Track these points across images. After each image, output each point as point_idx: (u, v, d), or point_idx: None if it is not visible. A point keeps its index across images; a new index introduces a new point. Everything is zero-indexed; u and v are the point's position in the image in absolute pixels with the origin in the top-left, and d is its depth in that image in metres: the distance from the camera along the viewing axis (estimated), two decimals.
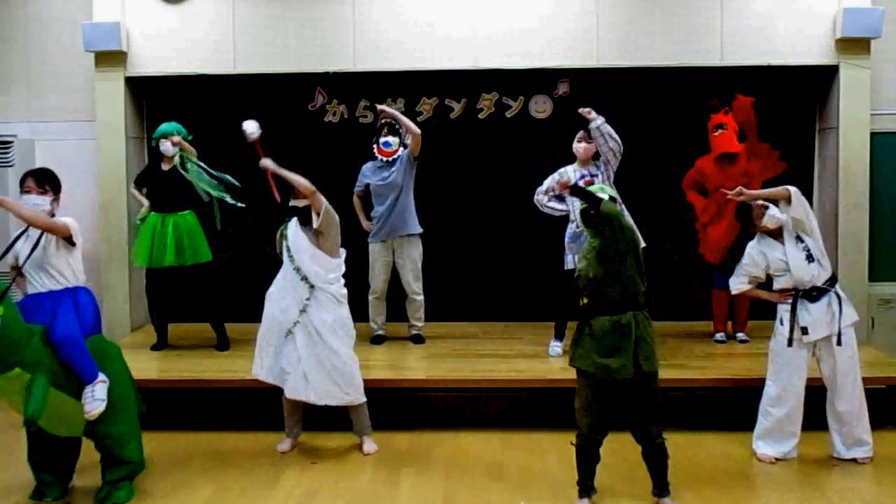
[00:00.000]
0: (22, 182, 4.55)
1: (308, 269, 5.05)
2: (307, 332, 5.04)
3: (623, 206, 5.07)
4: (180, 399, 5.71)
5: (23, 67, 7.55)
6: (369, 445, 5.24)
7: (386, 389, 5.62)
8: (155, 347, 6.57)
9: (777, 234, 5.05)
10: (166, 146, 6.47)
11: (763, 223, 5.04)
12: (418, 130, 6.46)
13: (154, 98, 7.57)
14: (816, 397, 5.07)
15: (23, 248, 4.48)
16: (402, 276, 6.68)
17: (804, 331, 4.91)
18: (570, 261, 6.18)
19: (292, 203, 5.17)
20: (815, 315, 4.90)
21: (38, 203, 4.48)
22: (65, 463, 4.59)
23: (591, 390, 4.24)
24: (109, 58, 7.14)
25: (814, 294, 4.92)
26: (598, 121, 6.00)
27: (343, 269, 5.22)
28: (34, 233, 4.47)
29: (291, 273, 5.10)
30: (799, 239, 4.98)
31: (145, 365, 6.10)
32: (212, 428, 5.64)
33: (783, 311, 5.02)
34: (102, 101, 7.23)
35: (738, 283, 5.20)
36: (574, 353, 4.29)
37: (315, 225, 5.07)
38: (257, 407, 5.68)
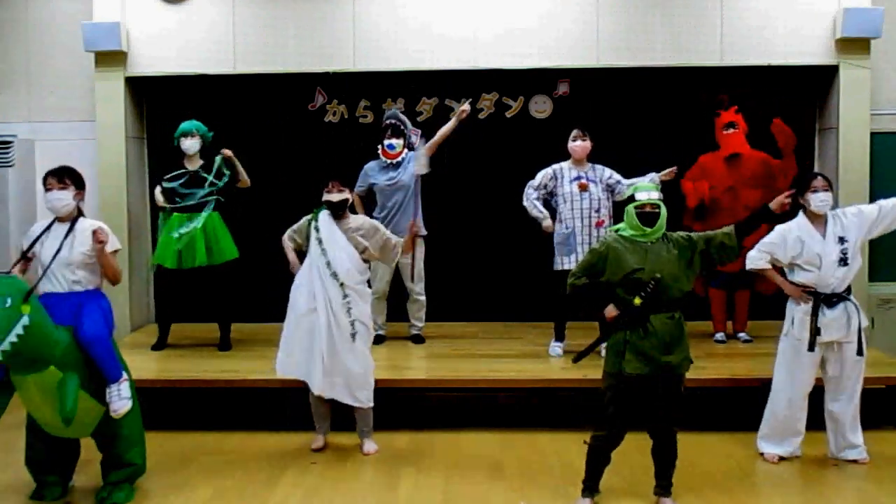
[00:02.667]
0: (44, 182, 4.50)
1: (341, 266, 5.07)
2: (333, 329, 5.04)
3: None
4: (180, 399, 5.71)
5: (23, 67, 7.54)
6: (369, 446, 5.25)
7: (386, 389, 5.61)
8: (155, 347, 6.56)
9: (819, 224, 4.89)
10: (187, 144, 6.40)
11: (815, 202, 4.84)
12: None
13: (154, 98, 7.56)
14: (815, 396, 5.07)
15: (47, 243, 4.43)
16: (405, 276, 6.68)
17: (817, 332, 4.85)
18: (559, 262, 6.19)
19: (326, 197, 5.14)
20: (829, 318, 4.85)
21: (60, 198, 4.44)
22: (65, 463, 4.59)
23: (616, 393, 4.20)
24: (109, 58, 7.14)
25: (833, 300, 4.86)
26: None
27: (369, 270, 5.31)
28: (59, 230, 4.45)
29: (321, 267, 5.08)
30: (842, 239, 4.84)
31: (145, 365, 6.09)
32: (212, 428, 5.63)
33: (798, 311, 4.91)
34: (102, 101, 7.23)
35: (757, 260, 4.96)
36: (620, 359, 4.16)
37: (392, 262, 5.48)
38: (257, 407, 5.69)
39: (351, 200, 5.25)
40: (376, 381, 5.35)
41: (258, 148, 7.37)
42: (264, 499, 4.57)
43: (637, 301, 4.12)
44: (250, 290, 7.19)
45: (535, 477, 4.82)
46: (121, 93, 7.21)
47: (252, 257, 6.96)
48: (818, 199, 4.85)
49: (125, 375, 4.43)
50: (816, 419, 5.09)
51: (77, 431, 4.41)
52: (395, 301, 6.84)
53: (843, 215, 4.92)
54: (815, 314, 4.83)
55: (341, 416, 5.31)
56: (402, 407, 5.70)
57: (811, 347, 4.84)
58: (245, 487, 4.72)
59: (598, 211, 6.14)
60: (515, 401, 5.75)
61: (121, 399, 4.35)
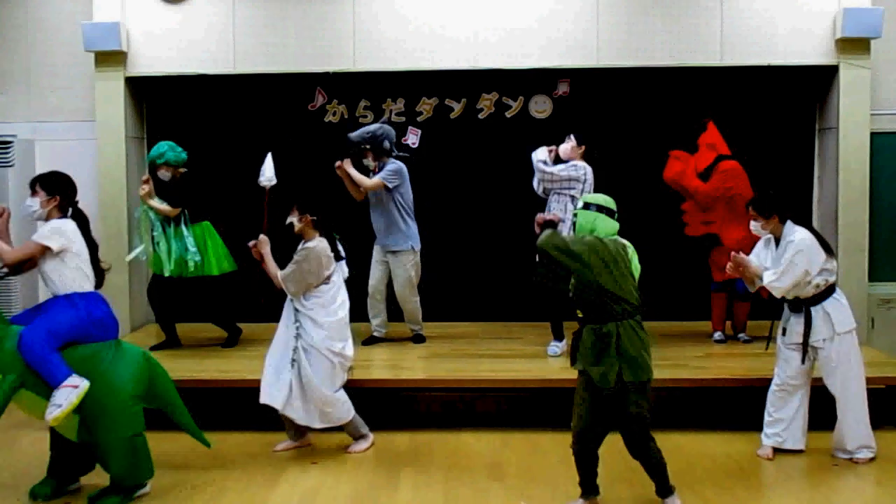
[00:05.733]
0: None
1: None
2: (290, 351, 5.06)
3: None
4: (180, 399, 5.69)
5: (23, 67, 7.55)
6: (356, 446, 5.26)
7: (386, 389, 5.61)
8: (161, 346, 6.53)
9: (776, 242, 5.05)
10: (160, 174, 6.47)
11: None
12: (369, 183, 6.43)
13: (154, 98, 7.57)
14: (817, 397, 5.07)
15: None
16: (395, 285, 6.67)
17: (783, 331, 5.05)
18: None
19: (289, 220, 5.13)
20: (793, 321, 5.00)
21: (29, 205, 4.52)
22: (71, 461, 4.58)
23: (582, 395, 4.27)
24: (109, 58, 7.14)
25: (791, 305, 5.02)
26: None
27: (329, 295, 5.08)
28: None
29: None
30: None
31: None
32: (212, 428, 5.61)
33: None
34: (102, 101, 7.23)
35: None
36: (575, 356, 4.33)
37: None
38: (257, 407, 5.67)
39: (299, 226, 5.08)
40: (376, 381, 5.34)
41: (258, 148, 7.35)
42: (264, 499, 4.57)
43: (579, 313, 4.28)
44: (248, 290, 7.16)
45: (535, 477, 4.82)
46: (121, 93, 7.22)
47: (249, 257, 6.95)
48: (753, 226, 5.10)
49: (70, 381, 4.25)
50: (817, 419, 5.09)
51: (66, 433, 4.41)
52: (393, 301, 6.82)
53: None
54: (781, 312, 5.11)
55: None
56: (402, 407, 5.70)
57: (767, 345, 5.22)
58: (245, 487, 4.71)
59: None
60: (515, 401, 5.74)
61: (51, 405, 4.20)
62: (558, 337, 6.32)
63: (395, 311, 6.87)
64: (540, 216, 4.64)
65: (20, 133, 7.47)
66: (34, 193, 4.51)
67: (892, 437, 5.36)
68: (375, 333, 6.74)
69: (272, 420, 5.47)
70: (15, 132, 7.45)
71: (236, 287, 6.70)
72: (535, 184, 6.32)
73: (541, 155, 6.20)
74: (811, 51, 7.00)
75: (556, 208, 6.09)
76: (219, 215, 6.70)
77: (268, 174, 5.66)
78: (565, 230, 5.84)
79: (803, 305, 4.93)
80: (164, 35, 7.16)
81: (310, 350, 5.04)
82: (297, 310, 5.05)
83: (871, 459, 4.98)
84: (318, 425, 5.13)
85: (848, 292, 5.35)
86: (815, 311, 4.91)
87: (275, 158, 7.48)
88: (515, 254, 7.39)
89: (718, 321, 6.73)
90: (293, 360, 5.04)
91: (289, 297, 5.08)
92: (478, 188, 7.51)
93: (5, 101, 7.56)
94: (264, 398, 5.10)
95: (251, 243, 5.23)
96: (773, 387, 5.12)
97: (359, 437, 5.28)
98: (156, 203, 6.40)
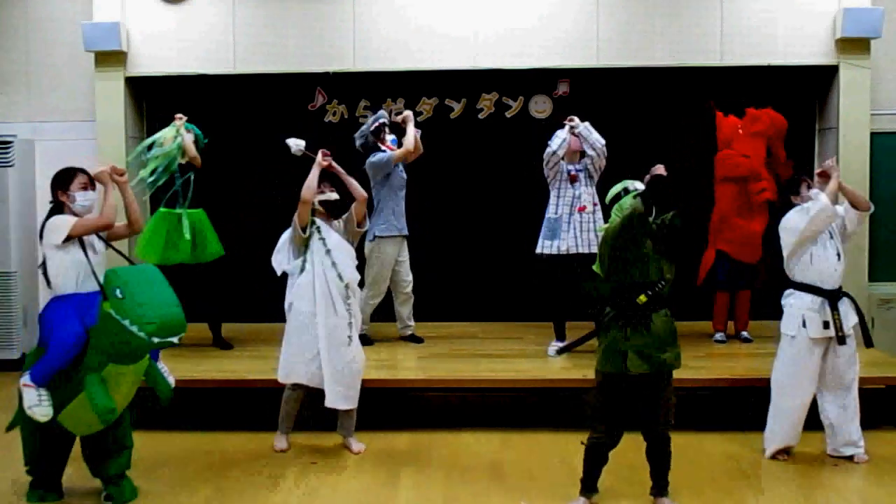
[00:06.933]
0: (72, 178, 4.60)
1: (344, 264, 5.10)
2: (336, 332, 5.05)
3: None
4: (180, 399, 5.69)
5: (23, 67, 7.56)
6: (358, 445, 5.25)
7: (386, 389, 5.61)
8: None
9: None
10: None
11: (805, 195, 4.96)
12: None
13: (154, 98, 7.57)
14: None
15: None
16: (403, 273, 6.62)
17: (803, 323, 4.88)
18: (541, 246, 6.20)
19: (322, 198, 5.15)
20: (819, 310, 4.86)
21: (94, 198, 4.63)
22: (60, 459, 4.57)
23: (612, 393, 4.17)
24: (109, 58, 7.15)
25: (831, 294, 4.88)
26: (579, 126, 6.10)
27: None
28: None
29: (327, 268, 5.07)
30: (830, 234, 4.95)
31: None
32: (212, 428, 5.63)
33: (805, 310, 4.89)
34: (102, 101, 7.24)
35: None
36: (620, 358, 4.08)
37: (361, 228, 5.25)
38: (257, 407, 5.68)
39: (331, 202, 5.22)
40: (376, 381, 5.35)
41: (258, 148, 7.37)
42: (264, 499, 4.56)
43: (643, 299, 4.04)
44: (248, 290, 7.18)
45: (535, 477, 4.82)
46: (121, 93, 7.23)
47: (250, 257, 6.96)
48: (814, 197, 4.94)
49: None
50: (816, 419, 5.09)
51: (110, 419, 4.39)
52: (385, 301, 6.80)
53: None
54: (833, 308, 4.84)
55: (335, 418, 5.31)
56: (402, 407, 5.70)
57: (842, 340, 4.84)
58: (245, 487, 4.71)
59: (579, 198, 6.13)
60: (515, 401, 5.74)
61: (170, 374, 4.63)
62: (560, 337, 6.32)
63: (383, 311, 6.83)
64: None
65: (20, 133, 7.48)
66: (94, 187, 4.61)
67: (893, 437, 5.37)
68: (367, 334, 6.71)
69: (272, 420, 5.48)
70: (15, 132, 7.45)
71: (225, 285, 6.71)
72: (556, 145, 6.12)
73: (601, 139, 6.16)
74: (811, 51, 7.01)
75: (588, 192, 6.13)
76: (215, 213, 6.68)
77: (299, 145, 5.71)
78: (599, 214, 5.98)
79: (840, 294, 4.88)
80: (164, 35, 7.17)
81: (355, 325, 5.16)
82: (347, 285, 5.08)
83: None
84: (342, 406, 5.13)
85: (848, 292, 5.34)
86: (843, 300, 4.91)
87: (274, 158, 7.55)
88: (517, 254, 7.40)
89: (720, 321, 6.73)
90: (349, 337, 5.08)
91: (327, 280, 5.05)
92: (478, 188, 7.51)
93: (5, 101, 7.57)
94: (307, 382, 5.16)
95: (324, 151, 5.30)
96: (807, 401, 4.95)
97: (352, 431, 5.27)
98: (190, 137, 6.35)
